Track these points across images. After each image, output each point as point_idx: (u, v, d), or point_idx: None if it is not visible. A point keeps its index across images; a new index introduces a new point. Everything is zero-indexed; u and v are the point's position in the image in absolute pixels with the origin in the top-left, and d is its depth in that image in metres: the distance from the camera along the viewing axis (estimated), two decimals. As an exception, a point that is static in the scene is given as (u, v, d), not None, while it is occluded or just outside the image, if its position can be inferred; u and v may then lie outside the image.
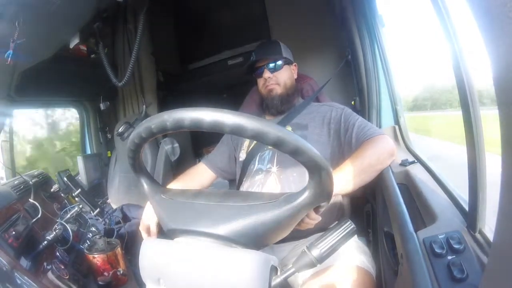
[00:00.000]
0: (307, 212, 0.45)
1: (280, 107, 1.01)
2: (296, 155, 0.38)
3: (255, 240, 0.43)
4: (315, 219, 0.56)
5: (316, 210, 0.50)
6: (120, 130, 1.56)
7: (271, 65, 1.00)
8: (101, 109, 1.66)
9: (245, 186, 0.94)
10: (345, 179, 0.73)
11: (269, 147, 0.93)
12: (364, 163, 0.76)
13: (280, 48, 1.03)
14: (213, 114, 0.37)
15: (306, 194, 0.42)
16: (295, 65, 1.08)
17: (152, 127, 0.41)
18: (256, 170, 0.93)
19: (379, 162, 0.78)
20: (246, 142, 1.02)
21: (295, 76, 1.07)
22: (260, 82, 1.04)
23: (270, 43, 1.12)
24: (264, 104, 1.05)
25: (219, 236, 0.43)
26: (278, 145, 0.37)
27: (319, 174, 0.40)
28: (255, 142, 0.98)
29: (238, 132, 0.37)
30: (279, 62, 1.00)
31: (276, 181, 0.87)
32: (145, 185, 0.53)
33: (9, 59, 0.82)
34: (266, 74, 1.00)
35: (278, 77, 1.00)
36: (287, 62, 1.03)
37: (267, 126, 0.36)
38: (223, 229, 0.43)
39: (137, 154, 0.48)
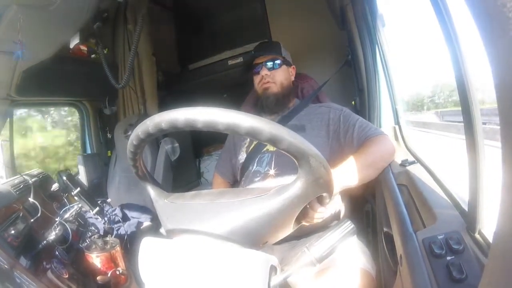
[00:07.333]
0: (304, 204, 0.42)
1: (274, 106, 1.00)
2: (275, 143, 0.36)
3: (249, 236, 0.42)
4: (319, 211, 0.53)
5: (320, 201, 0.47)
6: (129, 133, 1.56)
7: (270, 63, 0.99)
8: (107, 113, 1.70)
9: None
10: (351, 172, 0.72)
11: (269, 149, 0.93)
12: (369, 160, 0.76)
13: (280, 48, 1.03)
14: (185, 112, 0.37)
15: (297, 185, 0.40)
16: (293, 68, 1.07)
17: (139, 133, 0.42)
18: (254, 172, 0.93)
19: (382, 159, 0.79)
20: (246, 143, 1.02)
21: (292, 79, 1.07)
22: (257, 79, 1.02)
23: (271, 42, 1.13)
24: (259, 103, 1.03)
25: (212, 234, 0.43)
26: (253, 134, 0.36)
27: (307, 161, 0.38)
28: (254, 143, 0.98)
29: (211, 127, 0.36)
30: (278, 61, 0.99)
31: (274, 184, 0.87)
32: (151, 192, 0.54)
33: (17, 60, 0.82)
34: (264, 71, 0.98)
35: (275, 75, 0.99)
36: (286, 63, 1.02)
37: (240, 117, 0.35)
38: (215, 226, 0.43)
39: (136, 162, 0.48)
